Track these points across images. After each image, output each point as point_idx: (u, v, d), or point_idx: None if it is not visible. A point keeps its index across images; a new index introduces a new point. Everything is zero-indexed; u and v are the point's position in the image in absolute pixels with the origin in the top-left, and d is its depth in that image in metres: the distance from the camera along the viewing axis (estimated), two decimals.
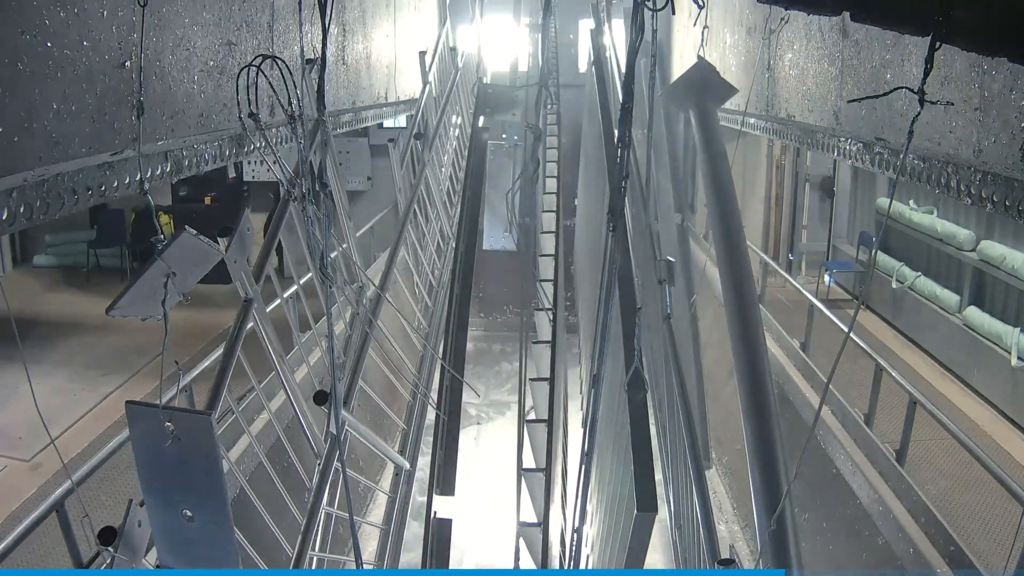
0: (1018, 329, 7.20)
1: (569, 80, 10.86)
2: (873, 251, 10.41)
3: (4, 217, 2.43)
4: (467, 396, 11.26)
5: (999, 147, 3.00)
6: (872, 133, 4.10)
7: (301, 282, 4.64)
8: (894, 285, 9.53)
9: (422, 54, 8.84)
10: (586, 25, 12.39)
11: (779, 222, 11.93)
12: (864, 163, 4.33)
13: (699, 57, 5.56)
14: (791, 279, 8.84)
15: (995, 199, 3.06)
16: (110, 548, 2.30)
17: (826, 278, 10.81)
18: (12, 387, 6.84)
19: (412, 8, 8.81)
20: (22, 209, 2.55)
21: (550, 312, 5.14)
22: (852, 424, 6.03)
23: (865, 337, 9.02)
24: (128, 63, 3.01)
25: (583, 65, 12.57)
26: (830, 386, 6.36)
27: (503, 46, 10.35)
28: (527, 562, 3.96)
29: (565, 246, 7.65)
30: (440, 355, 4.79)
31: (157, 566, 2.57)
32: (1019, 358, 7.02)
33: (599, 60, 7.41)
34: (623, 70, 3.45)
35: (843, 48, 4.43)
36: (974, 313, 7.98)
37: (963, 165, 3.26)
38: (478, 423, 10.20)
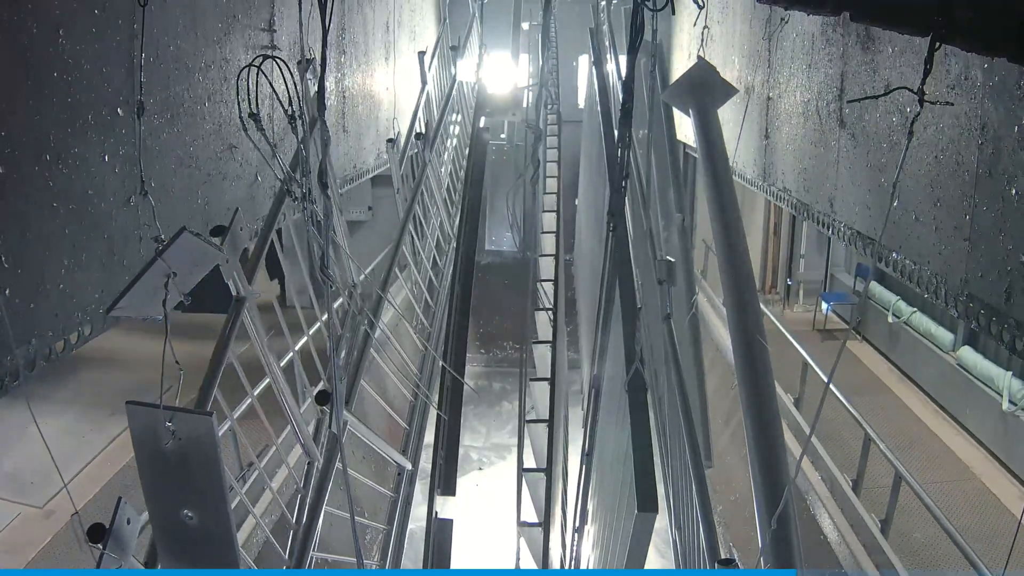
0: (1010, 373, 7.13)
1: (568, 116, 10.53)
2: (866, 284, 10.38)
3: (23, 364, 2.50)
4: (468, 439, 11.00)
5: (986, 282, 3.05)
6: (866, 230, 4.13)
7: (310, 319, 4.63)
8: (890, 320, 9.49)
9: (421, 54, 8.85)
10: (585, 61, 12.21)
11: (777, 251, 11.83)
12: (856, 247, 4.40)
13: (699, 57, 5.56)
14: (782, 328, 8.70)
15: (980, 320, 3.12)
16: (99, 545, 2.30)
17: (823, 306, 10.71)
18: (21, 427, 6.42)
19: (411, 52, 8.84)
20: (46, 351, 2.64)
21: (550, 312, 5.14)
22: (840, 494, 6.01)
23: (861, 372, 8.99)
24: (132, 199, 3.07)
25: (581, 101, 12.43)
26: (821, 451, 6.40)
27: (501, 80, 10.04)
28: (527, 562, 3.97)
29: (566, 275, 7.62)
30: (441, 356, 4.79)
31: (145, 565, 2.57)
32: (1010, 402, 6.94)
33: (598, 60, 7.41)
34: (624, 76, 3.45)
35: (840, 137, 4.47)
36: (968, 353, 7.92)
37: (952, 281, 3.33)
38: (480, 468, 9.89)
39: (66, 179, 2.69)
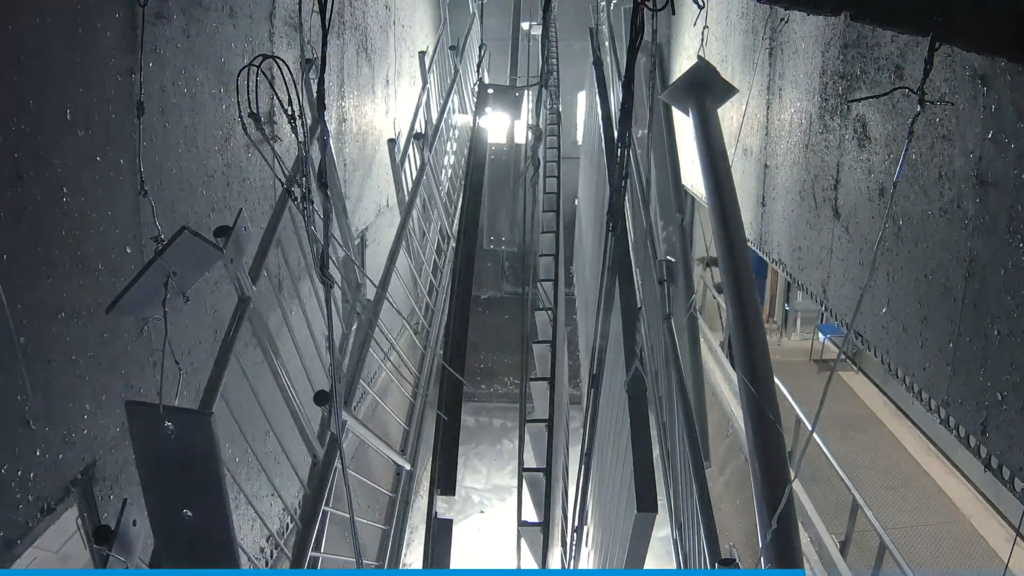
0: None
1: (566, 152, 10.47)
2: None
3: None
4: (470, 480, 10.80)
5: (965, 410, 3.10)
6: (858, 327, 4.17)
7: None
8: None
9: (422, 54, 8.85)
10: (584, 98, 12.17)
11: (775, 280, 11.75)
12: (844, 329, 4.42)
13: (699, 57, 5.55)
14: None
15: (960, 432, 3.18)
16: (104, 548, 2.30)
17: (820, 336, 10.62)
18: None
19: (409, 80, 8.83)
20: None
21: (550, 312, 5.14)
22: (827, 557, 5.99)
23: (856, 405, 8.90)
24: (144, 330, 3.31)
25: (579, 138, 12.44)
26: (809, 509, 6.35)
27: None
28: (528, 562, 3.96)
29: (566, 297, 7.55)
30: (440, 355, 4.78)
31: (151, 565, 2.58)
32: None
33: (598, 60, 7.41)
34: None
35: (834, 227, 4.48)
36: None
37: (935, 399, 3.37)
38: (481, 511, 9.77)
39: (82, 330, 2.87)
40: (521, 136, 8.22)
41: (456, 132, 9.72)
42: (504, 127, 7.90)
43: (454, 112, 9.62)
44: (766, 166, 5.88)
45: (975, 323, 3.00)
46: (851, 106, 4.22)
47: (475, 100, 8.18)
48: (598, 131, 6.75)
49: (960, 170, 3.10)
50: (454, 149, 9.49)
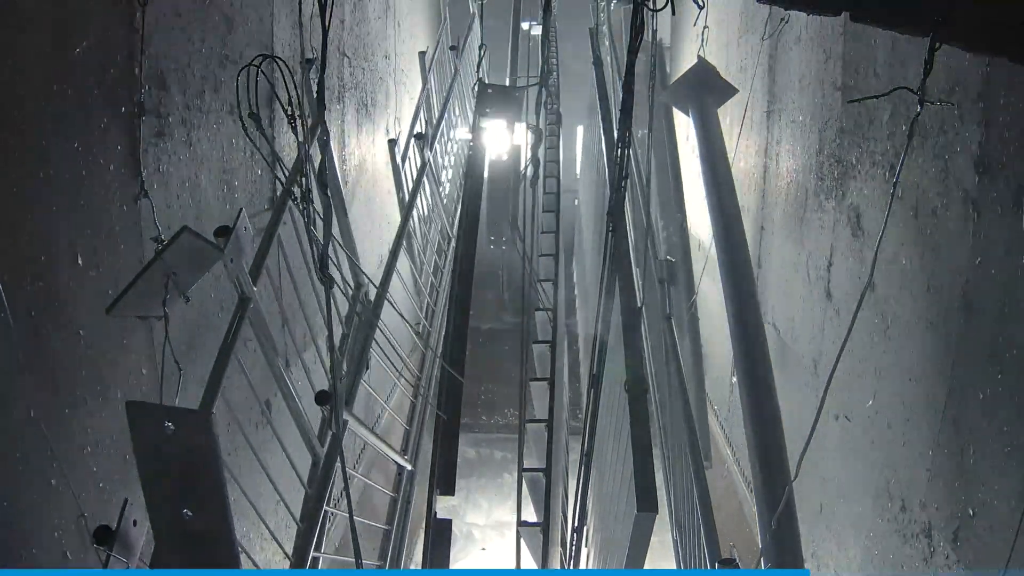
0: None
1: (566, 184, 10.35)
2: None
3: None
4: (471, 516, 10.55)
5: (941, 516, 3.08)
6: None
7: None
8: None
9: (422, 54, 8.85)
10: (584, 132, 12.18)
11: None
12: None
13: (699, 57, 5.55)
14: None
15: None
16: (104, 547, 2.30)
17: None
18: None
19: (409, 96, 8.82)
20: None
21: (550, 312, 5.14)
22: None
23: None
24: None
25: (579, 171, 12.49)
26: None
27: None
28: (527, 562, 3.96)
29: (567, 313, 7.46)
30: (440, 355, 4.78)
31: (151, 565, 2.57)
32: None
33: (598, 59, 7.41)
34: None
35: (827, 308, 4.47)
36: None
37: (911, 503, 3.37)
38: (483, 548, 9.44)
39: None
40: (521, 137, 8.20)
41: (456, 132, 9.73)
42: (504, 140, 7.90)
43: (455, 113, 9.62)
44: (762, 228, 5.92)
45: (952, 445, 2.98)
46: (849, 105, 4.22)
47: (475, 100, 8.17)
48: (598, 131, 6.75)
49: (947, 287, 3.06)
50: (455, 150, 9.49)
